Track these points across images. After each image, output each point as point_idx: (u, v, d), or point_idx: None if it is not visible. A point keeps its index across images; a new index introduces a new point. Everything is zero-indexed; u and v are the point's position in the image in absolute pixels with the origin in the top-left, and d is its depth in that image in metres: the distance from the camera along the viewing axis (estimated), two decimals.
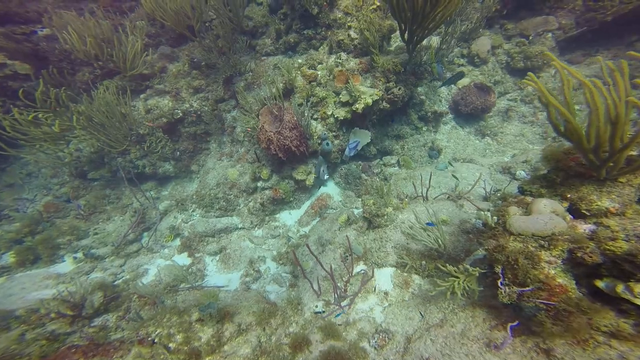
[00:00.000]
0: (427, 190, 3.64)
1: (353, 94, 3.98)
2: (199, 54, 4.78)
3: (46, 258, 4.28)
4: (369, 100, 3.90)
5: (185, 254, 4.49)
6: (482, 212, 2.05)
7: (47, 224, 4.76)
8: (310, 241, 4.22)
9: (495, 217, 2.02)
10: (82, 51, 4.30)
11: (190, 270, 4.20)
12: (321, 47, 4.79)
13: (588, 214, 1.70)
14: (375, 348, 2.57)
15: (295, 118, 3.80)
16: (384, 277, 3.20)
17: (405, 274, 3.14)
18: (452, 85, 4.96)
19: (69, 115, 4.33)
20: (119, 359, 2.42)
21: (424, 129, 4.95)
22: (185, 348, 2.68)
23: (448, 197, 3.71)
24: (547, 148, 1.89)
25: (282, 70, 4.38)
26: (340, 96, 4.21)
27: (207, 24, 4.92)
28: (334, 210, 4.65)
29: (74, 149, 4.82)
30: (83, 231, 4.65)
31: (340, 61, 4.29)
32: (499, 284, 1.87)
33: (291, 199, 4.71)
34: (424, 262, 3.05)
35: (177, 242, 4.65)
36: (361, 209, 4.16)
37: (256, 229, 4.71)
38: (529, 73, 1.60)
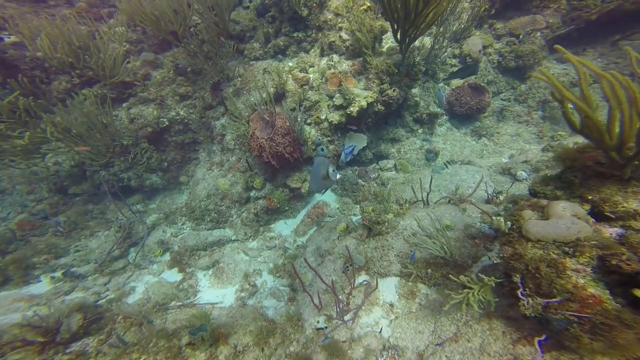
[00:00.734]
0: (428, 194, 3.51)
1: (347, 97, 3.85)
2: (184, 59, 4.58)
3: (18, 279, 3.93)
4: (364, 103, 3.77)
5: (176, 269, 4.22)
6: (494, 217, 1.91)
7: (21, 242, 4.41)
8: (308, 252, 4.02)
9: (509, 222, 1.89)
10: (55, 58, 4.04)
11: (181, 286, 3.93)
12: (312, 49, 4.67)
13: (613, 216, 1.58)
14: None
15: (287, 123, 3.63)
16: (388, 288, 3.03)
17: (411, 284, 2.98)
18: (447, 86, 4.91)
19: (43, 126, 4.03)
20: None
21: (420, 131, 4.86)
22: None
23: (449, 200, 3.58)
24: (558, 147, 1.76)
25: (272, 74, 4.23)
26: (334, 99, 4.07)
27: (192, 29, 4.74)
28: (332, 218, 4.47)
29: (51, 162, 4.50)
30: (62, 249, 4.32)
31: (333, 63, 4.17)
32: (520, 295, 1.72)
33: (286, 208, 4.51)
34: (429, 271, 2.90)
35: (167, 257, 4.37)
36: (360, 216, 3.99)
37: (250, 240, 4.49)
38: (539, 68, 1.48)
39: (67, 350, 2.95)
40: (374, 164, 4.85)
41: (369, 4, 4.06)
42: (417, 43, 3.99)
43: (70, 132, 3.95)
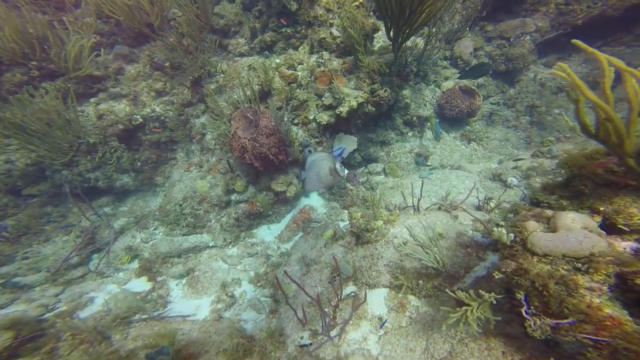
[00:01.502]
0: (419, 200, 3.36)
1: (337, 96, 3.65)
2: (162, 53, 4.24)
3: None
4: (354, 103, 3.59)
5: (145, 278, 3.85)
6: (495, 229, 1.75)
7: None
8: (293, 260, 3.78)
9: (511, 234, 1.72)
10: (4, 48, 3.60)
11: (149, 297, 3.57)
12: (301, 46, 4.45)
13: (627, 229, 1.44)
14: None
15: (273, 123, 3.39)
16: (377, 300, 2.84)
17: (401, 295, 2.79)
18: (437, 89, 4.82)
19: None
20: None
21: (410, 134, 4.74)
22: None
23: (439, 207, 3.45)
24: (563, 153, 1.61)
25: (257, 70, 3.97)
26: (323, 99, 3.86)
27: (171, 22, 4.41)
28: (318, 224, 4.25)
29: (1, 160, 4.01)
30: (7, 256, 3.82)
31: (323, 61, 3.96)
32: (524, 313, 1.55)
33: (270, 212, 4.24)
34: (420, 282, 2.73)
35: (135, 264, 3.99)
36: (347, 222, 3.80)
37: (230, 247, 4.19)
38: (559, 63, 1.33)
39: None
40: (363, 167, 4.68)
41: (361, 1, 3.90)
42: (409, 43, 3.86)
43: (24, 128, 3.52)
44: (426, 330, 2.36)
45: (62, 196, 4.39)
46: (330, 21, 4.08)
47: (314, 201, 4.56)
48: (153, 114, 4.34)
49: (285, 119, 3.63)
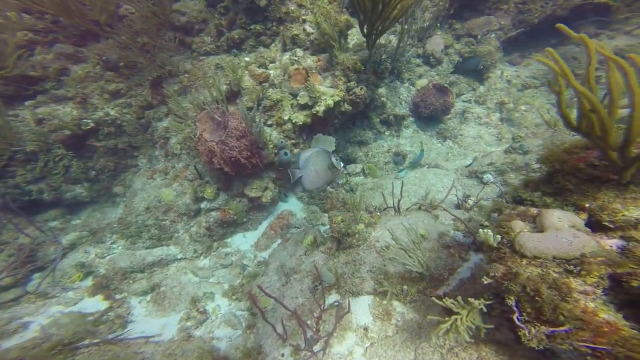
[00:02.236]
0: (399, 201, 3.27)
1: (312, 95, 3.48)
2: (114, 52, 3.81)
3: None
4: (330, 102, 3.43)
5: (100, 296, 3.43)
6: (481, 231, 1.66)
7: None
8: (271, 270, 3.55)
9: (498, 236, 1.64)
10: None
11: (105, 317, 3.17)
12: (273, 44, 4.23)
13: (612, 226, 1.40)
14: None
15: (243, 124, 3.13)
16: (362, 308, 2.69)
17: (385, 302, 2.67)
18: (412, 87, 4.81)
19: None
20: None
21: (387, 133, 4.68)
22: None
23: (419, 206, 3.39)
24: (534, 149, 1.55)
25: (225, 69, 3.69)
26: (298, 98, 3.67)
27: (124, 20, 3.99)
28: (298, 229, 4.05)
29: None
30: None
31: (296, 58, 3.77)
32: (516, 321, 1.46)
33: (245, 219, 3.97)
34: (405, 287, 2.62)
35: (89, 281, 3.56)
36: (328, 226, 3.64)
37: (201, 258, 3.87)
38: (548, 48, 1.25)
39: None
40: (342, 169, 4.54)
41: None
42: (382, 40, 3.78)
43: None
44: (414, 339, 2.25)
45: None
46: (303, 17, 3.90)
47: (293, 206, 4.36)
48: (107, 118, 3.89)
49: (257, 119, 3.39)
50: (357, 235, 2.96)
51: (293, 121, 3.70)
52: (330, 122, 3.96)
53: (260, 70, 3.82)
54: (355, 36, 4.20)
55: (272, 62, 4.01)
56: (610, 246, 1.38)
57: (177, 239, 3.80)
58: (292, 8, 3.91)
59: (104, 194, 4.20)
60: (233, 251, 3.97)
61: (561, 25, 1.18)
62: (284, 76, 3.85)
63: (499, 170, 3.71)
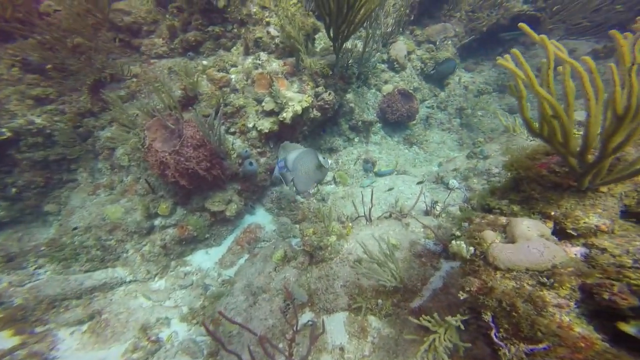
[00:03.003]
0: (370, 209, 3.21)
1: (279, 101, 3.30)
2: (36, 53, 3.30)
3: None
4: (299, 108, 3.28)
5: (8, 332, 2.90)
6: (453, 242, 1.61)
7: None
8: (237, 289, 3.28)
9: (471, 248, 1.59)
10: None
11: (11, 356, 2.67)
12: (234, 47, 3.99)
13: (575, 234, 1.41)
14: None
15: (201, 133, 2.85)
16: (337, 326, 2.55)
17: (361, 318, 2.56)
18: (378, 93, 4.84)
19: None
20: None
21: (356, 139, 4.65)
22: None
23: (390, 214, 3.35)
24: (507, 153, 1.54)
25: (179, 73, 3.38)
26: (264, 104, 3.47)
27: (47, 17, 3.49)
28: (267, 243, 3.81)
29: None
30: None
31: (260, 62, 3.57)
32: (494, 338, 1.41)
33: (207, 235, 3.65)
34: (380, 301, 2.53)
35: None
36: (299, 239, 3.46)
37: (156, 279, 3.49)
38: (513, 49, 1.22)
39: None
40: None
41: None
42: (349, 45, 3.74)
43: None
44: (391, 357, 2.15)
45: None
46: (267, 19, 3.73)
47: (261, 218, 4.11)
48: (31, 127, 3.33)
49: (217, 126, 3.12)
50: (329, 248, 2.83)
51: (258, 128, 3.48)
52: (299, 130, 3.80)
53: (220, 75, 3.56)
54: (322, 40, 4.12)
55: (234, 66, 3.77)
56: (575, 254, 1.39)
57: (126, 259, 3.37)
58: (255, 10, 3.73)
59: (31, 213, 3.59)
60: (194, 270, 3.63)
61: (523, 25, 1.16)
62: (247, 81, 3.63)
63: (464, 176, 3.83)
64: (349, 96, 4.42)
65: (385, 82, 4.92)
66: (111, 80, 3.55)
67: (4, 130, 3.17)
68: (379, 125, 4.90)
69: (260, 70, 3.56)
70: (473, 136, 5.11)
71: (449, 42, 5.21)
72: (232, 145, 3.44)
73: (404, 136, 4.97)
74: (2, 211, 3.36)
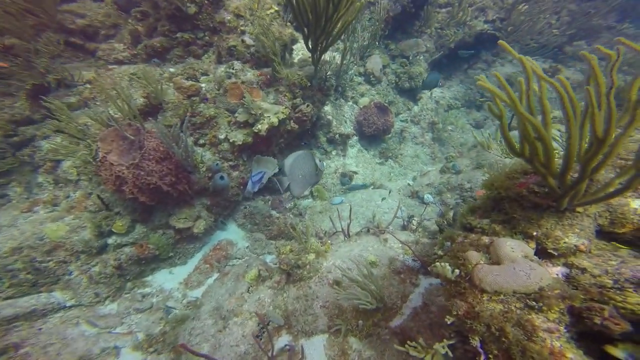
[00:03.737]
0: (349, 225, 3.13)
1: (253, 112, 3.14)
2: None
3: None
4: (274, 120, 3.15)
5: None
6: (437, 264, 1.55)
7: None
8: (204, 312, 2.98)
9: (456, 270, 1.55)
10: None
11: None
12: (206, 55, 3.79)
13: (555, 254, 1.42)
14: None
15: (164, 145, 2.59)
16: (316, 350, 2.39)
17: (341, 340, 2.42)
18: (355, 105, 4.87)
19: None
20: None
21: (334, 152, 4.60)
22: None
23: (368, 230, 3.29)
24: (487, 172, 1.54)
25: (141, 80, 3.10)
26: (237, 115, 3.28)
27: None
28: (239, 261, 3.54)
29: None
30: None
31: (234, 71, 3.40)
32: None
33: (171, 253, 3.31)
34: (360, 322, 2.41)
35: None
36: (275, 256, 3.26)
37: (106, 302, 3.08)
38: (495, 72, 1.21)
39: None
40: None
41: (276, 8, 3.57)
42: (327, 57, 3.72)
43: None
44: None
45: None
46: (242, 28, 3.59)
47: (233, 234, 3.84)
48: None
49: (184, 137, 2.87)
50: (307, 267, 2.67)
51: (231, 140, 3.28)
52: (275, 142, 3.65)
53: (189, 83, 3.33)
54: (300, 51, 4.06)
55: (205, 74, 3.56)
56: (557, 274, 1.39)
57: (68, 282, 2.93)
58: (229, 18, 3.58)
59: None
60: (154, 291, 3.27)
61: (502, 42, 1.16)
62: (218, 90, 3.43)
63: (438, 190, 3.91)
64: (327, 108, 4.38)
65: (362, 95, 4.98)
66: (58, 86, 3.16)
67: None
68: (355, 138, 4.92)
69: (233, 79, 3.39)
70: (444, 150, 5.31)
71: (421, 57, 5.44)
72: (202, 158, 3.19)
73: (379, 150, 5.02)
74: None
